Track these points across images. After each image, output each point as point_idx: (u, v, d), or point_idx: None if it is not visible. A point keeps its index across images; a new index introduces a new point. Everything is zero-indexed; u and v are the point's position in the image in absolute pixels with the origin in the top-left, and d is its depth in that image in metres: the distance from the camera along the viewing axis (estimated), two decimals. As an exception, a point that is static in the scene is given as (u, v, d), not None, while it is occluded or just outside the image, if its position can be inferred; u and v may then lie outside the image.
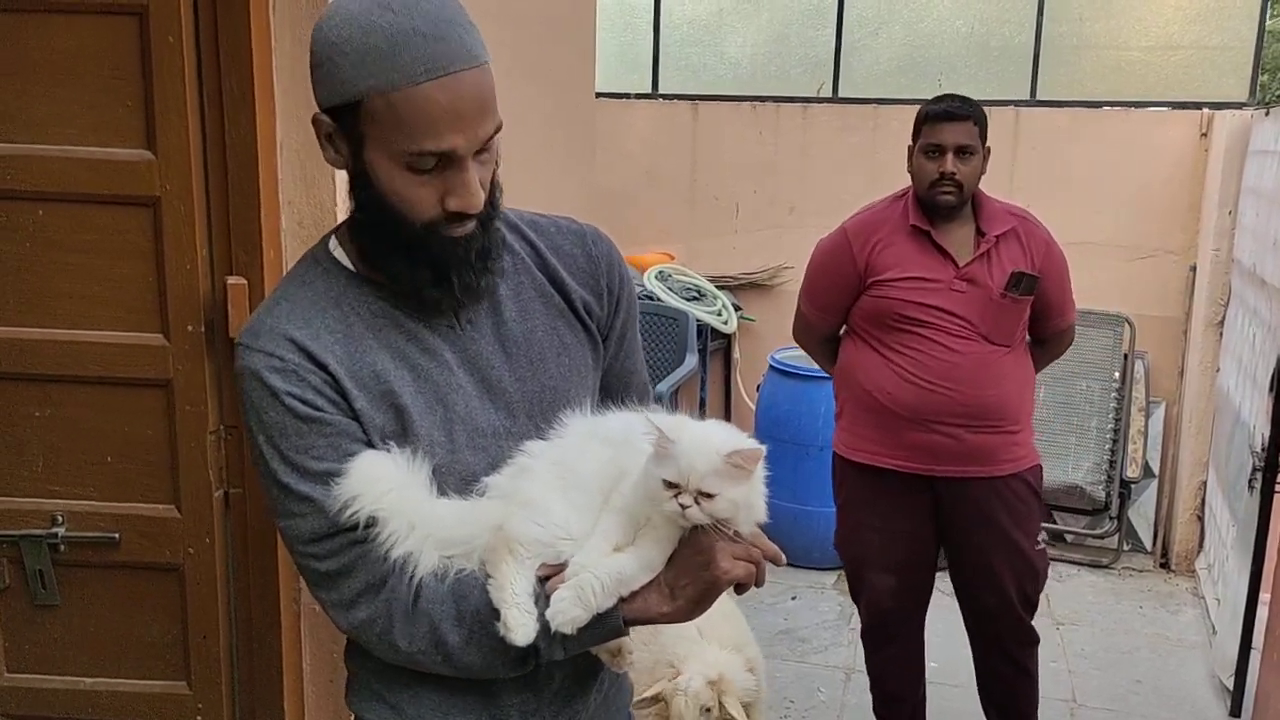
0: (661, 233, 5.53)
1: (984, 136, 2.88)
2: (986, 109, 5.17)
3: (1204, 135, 4.98)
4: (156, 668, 1.98)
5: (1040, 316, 2.94)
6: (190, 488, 1.91)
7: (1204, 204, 4.95)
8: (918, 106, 5.26)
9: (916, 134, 2.91)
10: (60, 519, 1.91)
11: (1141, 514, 5.09)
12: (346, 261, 1.33)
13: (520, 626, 1.19)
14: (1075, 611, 4.48)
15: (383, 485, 1.22)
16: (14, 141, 1.78)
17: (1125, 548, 5.01)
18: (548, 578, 1.22)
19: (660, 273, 5.27)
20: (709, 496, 1.16)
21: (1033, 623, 3.04)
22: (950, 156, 2.81)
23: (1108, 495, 4.93)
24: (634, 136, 5.57)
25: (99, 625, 1.96)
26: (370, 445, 1.26)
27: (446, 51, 1.17)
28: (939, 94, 3.00)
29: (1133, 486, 4.98)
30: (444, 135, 1.17)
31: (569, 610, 1.17)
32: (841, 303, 2.97)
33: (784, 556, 1.27)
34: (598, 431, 1.30)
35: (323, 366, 1.25)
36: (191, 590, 1.94)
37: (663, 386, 4.80)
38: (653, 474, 1.18)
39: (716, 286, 5.42)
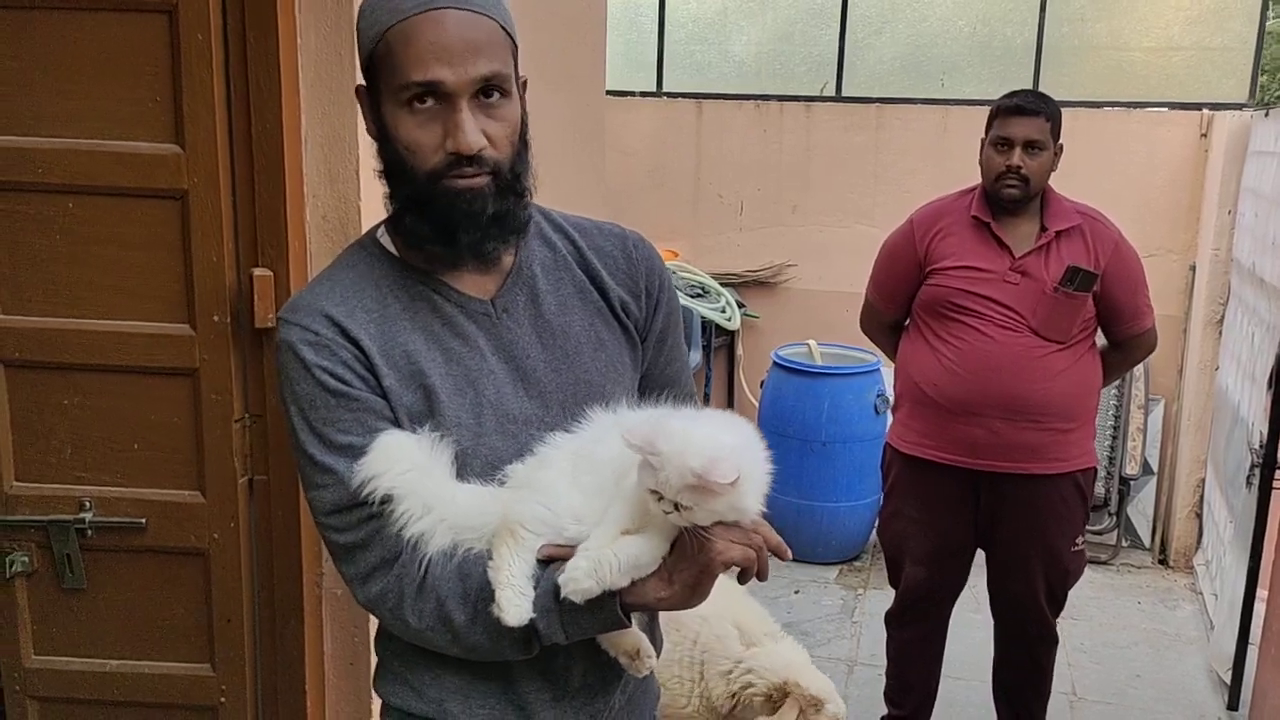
0: (666, 230, 5.57)
1: (1056, 134, 2.90)
2: (987, 109, 5.24)
3: (1204, 136, 5.03)
4: (181, 651, 2.02)
5: (1110, 319, 2.94)
6: (216, 474, 1.95)
7: (1204, 204, 5.00)
8: (920, 106, 5.37)
9: (989, 127, 2.95)
10: (88, 505, 1.95)
11: (1140, 511, 5.14)
12: (391, 248, 1.38)
13: (513, 607, 1.21)
14: (1075, 606, 4.50)
15: (403, 464, 1.25)
16: (45, 135, 1.82)
17: (1124, 544, 5.06)
18: (550, 560, 1.24)
19: (665, 270, 5.31)
20: (688, 507, 1.17)
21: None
22: (1018, 151, 2.84)
23: (1107, 492, 4.97)
24: (638, 135, 5.62)
25: (125, 609, 2.00)
26: (396, 423, 1.29)
27: None
28: (1014, 90, 3.03)
29: (1132, 483, 5.03)
30: (429, 66, 1.23)
31: (582, 580, 1.18)
32: (904, 290, 3.02)
33: (789, 550, 1.26)
34: (621, 422, 1.31)
35: (355, 342, 1.29)
36: (216, 575, 1.99)
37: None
38: (641, 480, 1.19)
39: (720, 284, 5.46)
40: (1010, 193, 2.84)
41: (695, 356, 5.05)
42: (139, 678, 2.02)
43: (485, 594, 1.24)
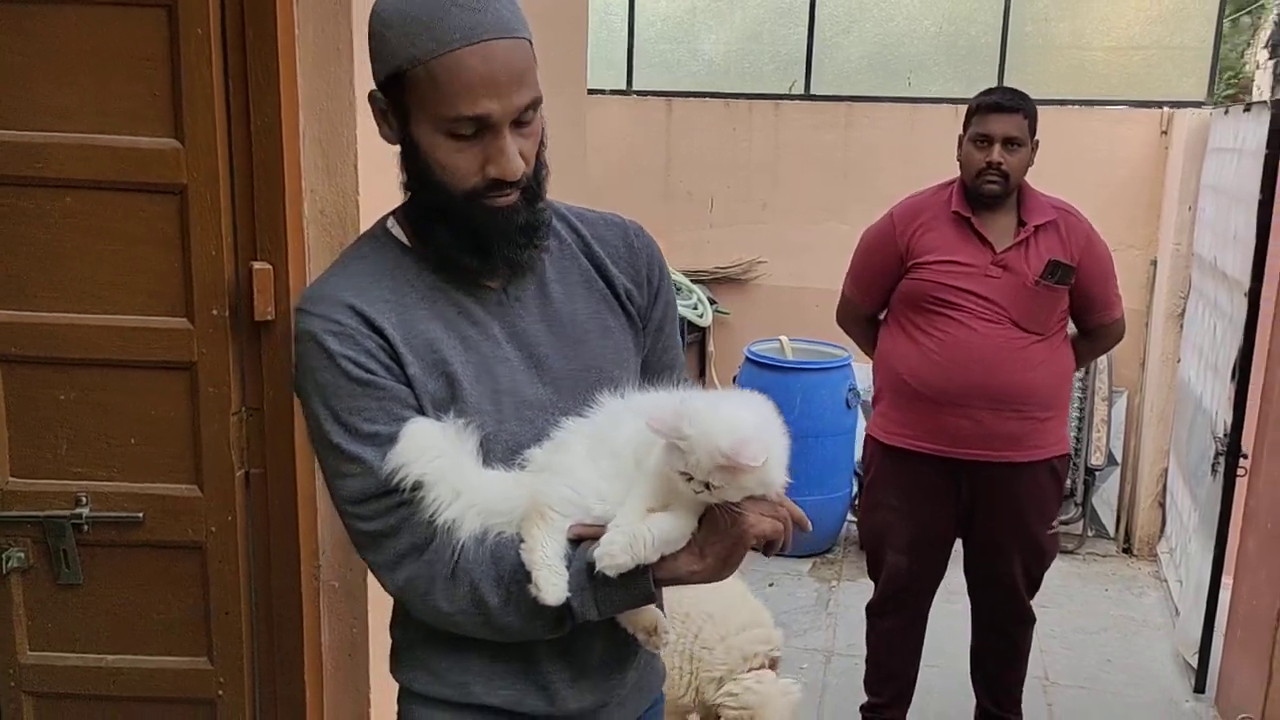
0: (636, 228, 5.60)
1: (1033, 130, 2.97)
2: (955, 108, 5.31)
3: (1164, 133, 5.14)
4: (178, 644, 2.02)
5: (1083, 310, 3.03)
6: (213, 468, 1.96)
7: (1164, 200, 5.11)
8: (888, 104, 5.44)
9: (967, 124, 3.00)
10: (84, 499, 1.95)
11: (1105, 501, 5.24)
12: (403, 238, 1.39)
13: (551, 586, 1.24)
14: (1044, 594, 4.53)
15: (432, 452, 1.27)
16: (44, 129, 1.82)
17: (1090, 533, 5.16)
18: (580, 540, 1.28)
19: (636, 267, 5.34)
20: (719, 486, 1.21)
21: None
22: (998, 147, 2.90)
23: (1073, 483, 5.07)
24: (608, 132, 5.64)
25: (122, 603, 2.00)
26: (421, 411, 1.31)
27: (482, 21, 1.23)
28: (991, 87, 3.11)
29: (1097, 474, 5.14)
30: (479, 100, 1.23)
31: (618, 555, 1.21)
32: (884, 284, 3.07)
33: (809, 522, 1.31)
34: (630, 406, 1.35)
35: (378, 331, 1.30)
36: (213, 568, 1.99)
37: (641, 378, 4.87)
38: (669, 462, 1.22)
39: (691, 281, 5.50)
40: (991, 188, 2.91)
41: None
42: (136, 672, 2.02)
43: (519, 576, 1.27)
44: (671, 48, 5.90)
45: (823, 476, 4.78)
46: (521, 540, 1.27)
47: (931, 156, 5.17)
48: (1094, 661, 4.07)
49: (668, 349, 1.54)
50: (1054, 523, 3.11)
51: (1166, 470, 5.01)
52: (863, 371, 5.07)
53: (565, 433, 1.34)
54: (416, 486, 1.27)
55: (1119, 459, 5.23)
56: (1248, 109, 3.99)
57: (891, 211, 3.09)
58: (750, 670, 2.73)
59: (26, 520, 1.95)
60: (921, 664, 3.35)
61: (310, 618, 2.05)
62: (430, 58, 1.23)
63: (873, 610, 3.27)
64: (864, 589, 3.69)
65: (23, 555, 1.96)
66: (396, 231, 1.40)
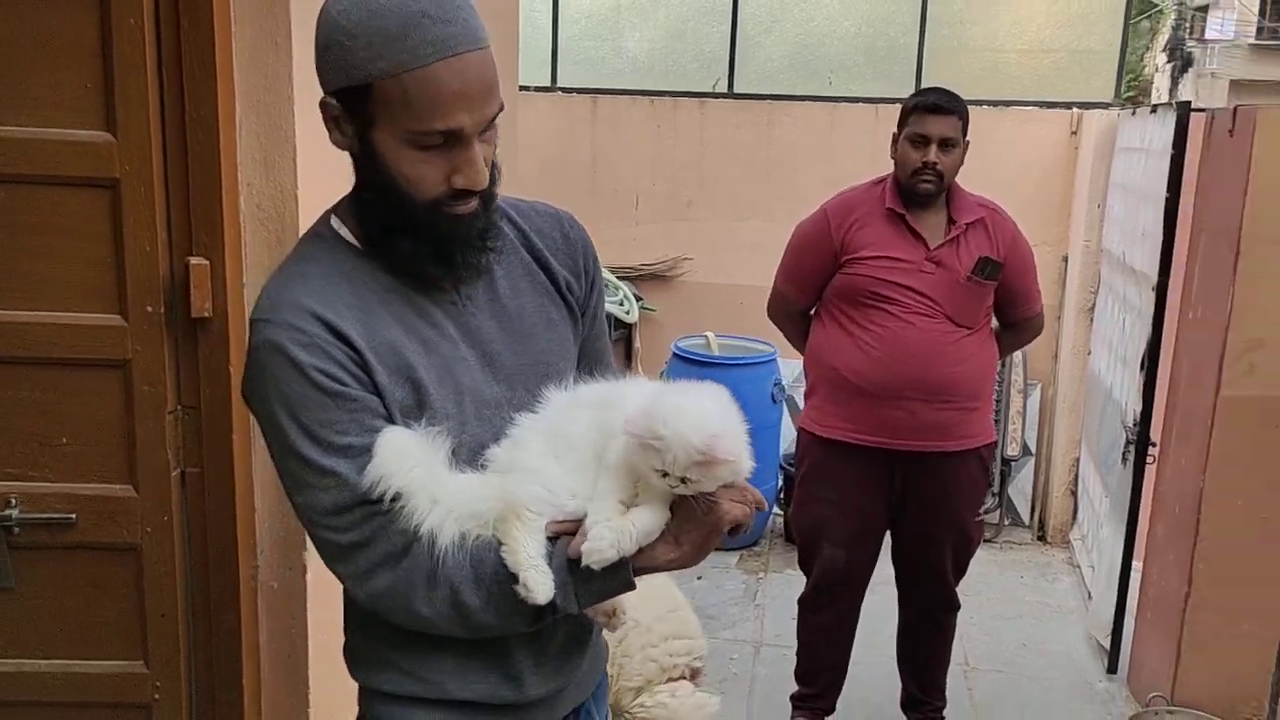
0: (561, 224, 5.60)
1: (965, 131, 3.05)
2: (874, 107, 5.41)
3: (1074, 133, 5.30)
4: (113, 648, 1.98)
5: (1007, 304, 3.14)
6: (148, 467, 1.92)
7: (1074, 198, 5.28)
8: (809, 103, 5.51)
9: (903, 123, 3.06)
10: (14, 501, 1.90)
11: (1020, 490, 5.40)
12: (351, 238, 1.36)
13: (540, 586, 1.25)
14: (963, 583, 4.67)
15: (409, 461, 1.26)
16: (-30, 122, 1.77)
17: (1006, 522, 5.31)
18: (557, 536, 1.29)
19: (562, 263, 5.35)
20: (695, 480, 1.24)
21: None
22: (934, 147, 2.97)
23: (990, 473, 5.21)
24: (535, 129, 5.63)
25: (54, 607, 1.96)
26: (390, 420, 1.29)
27: (454, 33, 1.21)
28: (926, 87, 3.19)
29: (1012, 464, 5.29)
30: (452, 114, 1.22)
31: (606, 551, 1.24)
32: (818, 280, 3.12)
33: (766, 501, 1.37)
34: (579, 399, 1.37)
35: (346, 340, 1.27)
36: (149, 569, 1.96)
37: (569, 375, 4.88)
38: (644, 461, 1.24)
39: (618, 277, 5.53)
40: (926, 187, 2.99)
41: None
42: (70, 677, 1.97)
43: (499, 576, 1.27)
44: (596, 45, 5.92)
45: (749, 470, 4.83)
46: (500, 543, 1.28)
47: (851, 155, 5.28)
48: (1011, 646, 4.19)
49: (599, 335, 1.57)
50: (980, 510, 3.21)
51: (1078, 460, 5.17)
52: (788, 367, 5.15)
53: (521, 430, 1.35)
54: (396, 497, 1.25)
55: (1033, 449, 5.39)
56: (1154, 111, 4.14)
57: (825, 207, 3.15)
58: (669, 681, 2.77)
59: (-48, 524, 1.90)
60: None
61: (248, 619, 2.02)
62: (402, 71, 1.20)
63: (806, 603, 3.32)
64: (791, 580, 3.76)
65: (-52, 560, 1.91)
66: (344, 232, 1.37)
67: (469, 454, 1.33)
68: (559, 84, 5.86)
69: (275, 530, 2.01)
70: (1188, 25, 25.15)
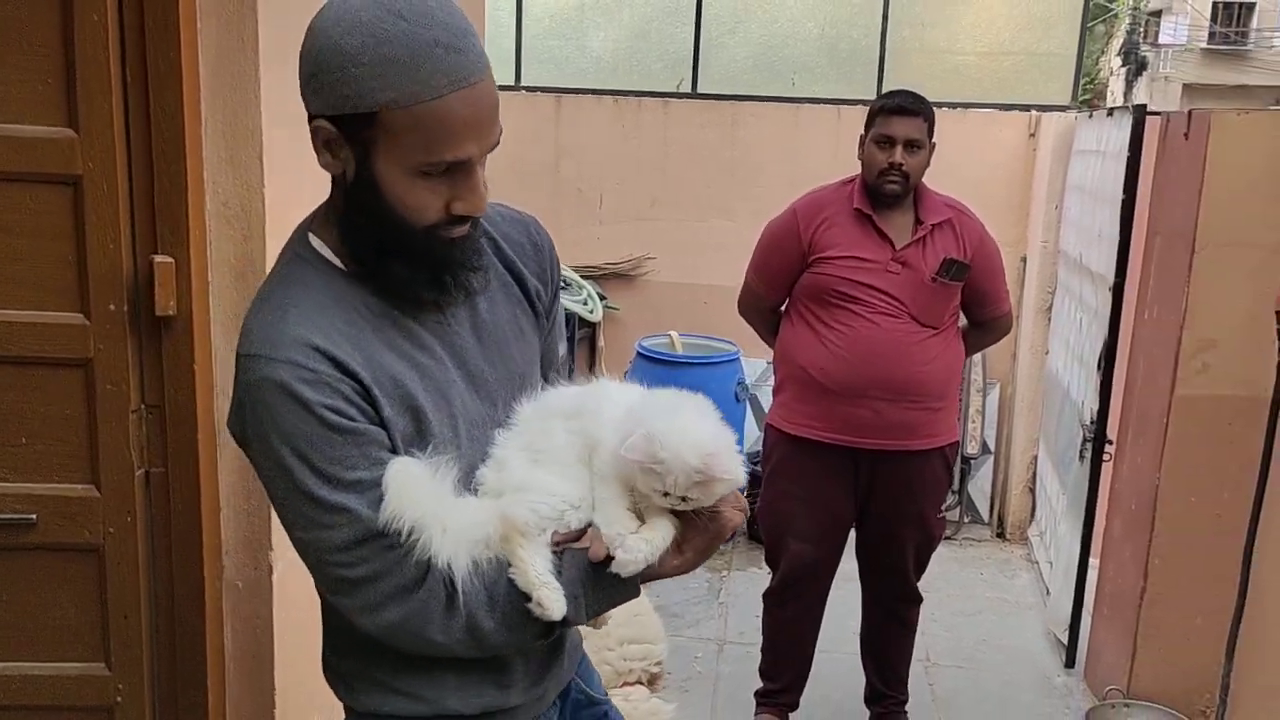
0: (525, 223, 5.59)
1: (931, 132, 3.08)
2: (837, 108, 5.45)
3: (1032, 135, 5.37)
4: (75, 650, 1.96)
5: (975, 304, 3.18)
6: (111, 467, 1.91)
7: (1033, 200, 5.35)
8: (772, 104, 5.54)
9: (869, 125, 3.09)
10: (-27, 502, 1.88)
11: (979, 488, 5.46)
12: (334, 259, 1.32)
13: (553, 603, 1.26)
14: (924, 579, 4.75)
15: (419, 494, 1.25)
16: (-72, 117, 1.75)
17: (966, 520, 5.37)
18: (561, 546, 1.30)
19: (526, 262, 5.34)
20: (695, 497, 1.28)
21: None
22: (900, 149, 3.00)
23: (953, 472, 5.26)
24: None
25: (14, 608, 1.94)
26: (394, 450, 1.27)
27: (466, 62, 1.19)
28: (893, 89, 3.20)
29: (972, 462, 5.35)
30: (463, 145, 1.20)
31: (640, 563, 1.28)
32: (786, 277, 3.15)
33: (746, 506, 1.41)
34: (550, 410, 1.37)
35: (352, 375, 1.25)
36: (112, 570, 1.94)
37: (533, 374, 4.88)
38: (645, 484, 1.27)
39: (581, 276, 5.53)
40: (892, 188, 3.02)
41: (562, 348, 5.09)
42: (31, 679, 1.95)
43: (512, 597, 1.28)
44: (560, 44, 5.91)
45: (712, 469, 4.85)
46: (509, 565, 1.28)
47: (814, 156, 5.32)
48: (971, 642, 4.24)
49: (557, 338, 1.57)
50: (942, 507, 3.25)
51: (1036, 458, 5.24)
52: (751, 366, 5.18)
53: (501, 450, 1.35)
54: (410, 531, 1.24)
55: (992, 448, 5.45)
56: (1110, 114, 4.20)
57: (794, 206, 3.17)
58: (624, 685, 2.77)
59: (-91, 525, 1.87)
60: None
61: (213, 620, 2.01)
62: (414, 103, 1.17)
63: (771, 598, 3.34)
64: (755, 578, 3.77)
65: (-95, 561, 1.88)
66: (325, 251, 1.32)
67: (464, 476, 1.32)
68: (522, 83, 5.85)
69: (240, 530, 2.00)
70: (1142, 30, 25.54)
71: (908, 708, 3.47)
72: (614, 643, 2.77)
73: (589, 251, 5.66)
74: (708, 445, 1.26)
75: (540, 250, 1.50)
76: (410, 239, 1.26)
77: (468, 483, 1.32)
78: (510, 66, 5.82)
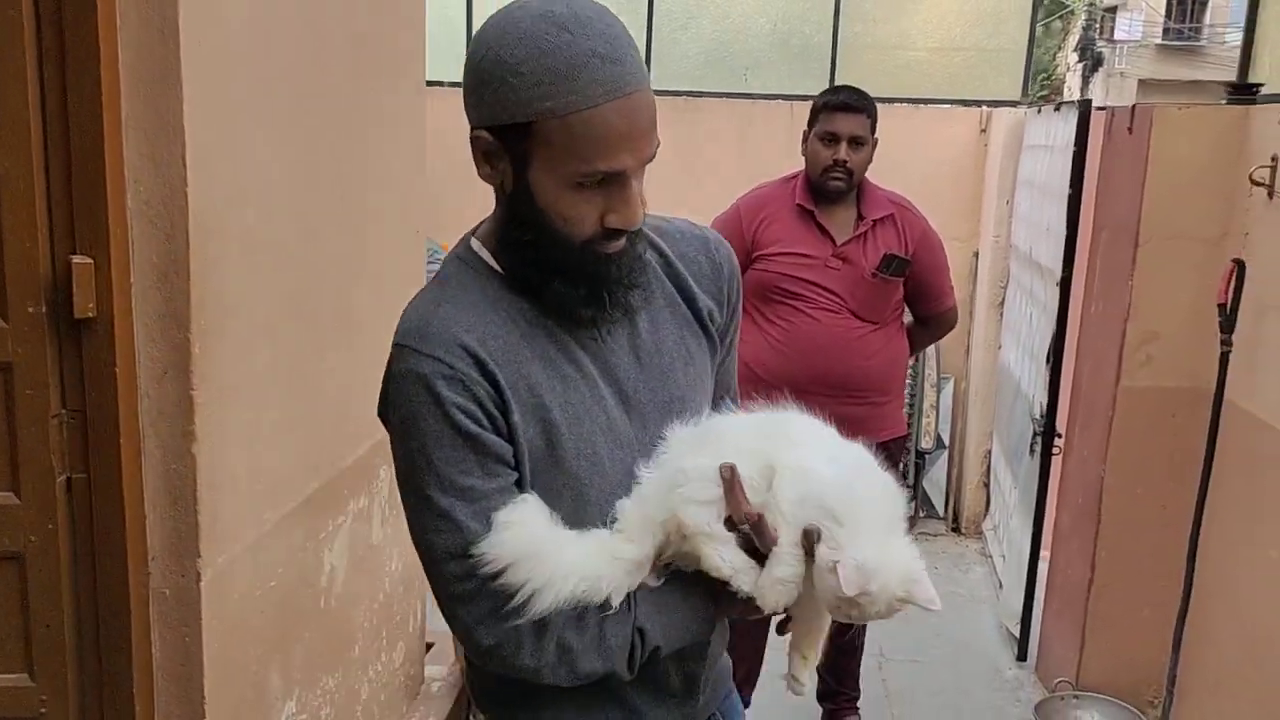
0: (478, 221, 5.54)
1: (874, 128, 3.08)
2: (789, 103, 5.44)
3: (984, 131, 5.40)
4: (-4, 661, 1.91)
5: (918, 299, 3.19)
6: (31, 474, 1.85)
7: (984, 195, 5.38)
8: (725, 99, 5.53)
9: (813, 121, 3.09)
10: (-114, 511, 1.82)
11: (934, 482, 5.49)
12: (494, 263, 1.33)
13: (775, 596, 1.26)
14: (879, 574, 4.79)
15: (530, 546, 1.23)
16: None
17: (921, 514, 5.39)
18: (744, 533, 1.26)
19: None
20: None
21: None
22: (844, 145, 3.01)
23: (904, 466, 5.28)
24: (449, 125, 5.53)
25: (-69, 620, 1.88)
26: (517, 460, 1.27)
27: (623, 73, 1.18)
28: (836, 85, 3.23)
29: (926, 457, 5.37)
30: (618, 156, 1.19)
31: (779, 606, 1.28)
32: None
33: None
34: (739, 446, 1.31)
35: (490, 377, 1.25)
36: (33, 579, 1.89)
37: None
38: (838, 610, 1.25)
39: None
40: (836, 185, 3.02)
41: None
42: (-52, 693, 1.90)
43: (601, 621, 1.27)
44: (511, 40, 5.87)
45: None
46: (698, 559, 1.26)
47: (767, 151, 5.30)
48: (925, 636, 4.25)
49: (732, 360, 1.53)
50: None
51: (990, 452, 5.27)
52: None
53: (645, 483, 1.32)
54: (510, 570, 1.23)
55: (946, 442, 5.48)
56: (1058, 108, 4.23)
57: (738, 203, 3.17)
58: None
59: None
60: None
61: (139, 628, 1.96)
62: (569, 112, 1.17)
63: None
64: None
65: None
66: (485, 255, 1.34)
67: (599, 496, 1.30)
68: (474, 80, 5.80)
69: (167, 537, 1.95)
70: (1098, 26, 25.82)
71: (860, 704, 3.47)
72: None
73: (543, 249, 5.62)
74: (914, 573, 1.22)
75: (718, 269, 1.45)
76: (567, 254, 1.26)
77: (604, 501, 1.30)
78: (460, 64, 5.76)
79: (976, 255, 5.43)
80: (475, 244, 1.35)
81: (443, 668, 3.36)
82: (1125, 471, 3.40)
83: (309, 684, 2.42)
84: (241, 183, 2.01)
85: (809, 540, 1.23)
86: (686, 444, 1.31)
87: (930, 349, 5.38)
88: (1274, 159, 2.90)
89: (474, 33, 1.23)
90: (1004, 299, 5.17)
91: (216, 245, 1.92)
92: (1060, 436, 3.85)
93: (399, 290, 2.89)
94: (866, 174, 3.14)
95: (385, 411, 1.30)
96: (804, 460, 1.29)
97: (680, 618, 1.32)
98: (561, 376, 1.30)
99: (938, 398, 5.38)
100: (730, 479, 1.25)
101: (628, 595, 1.28)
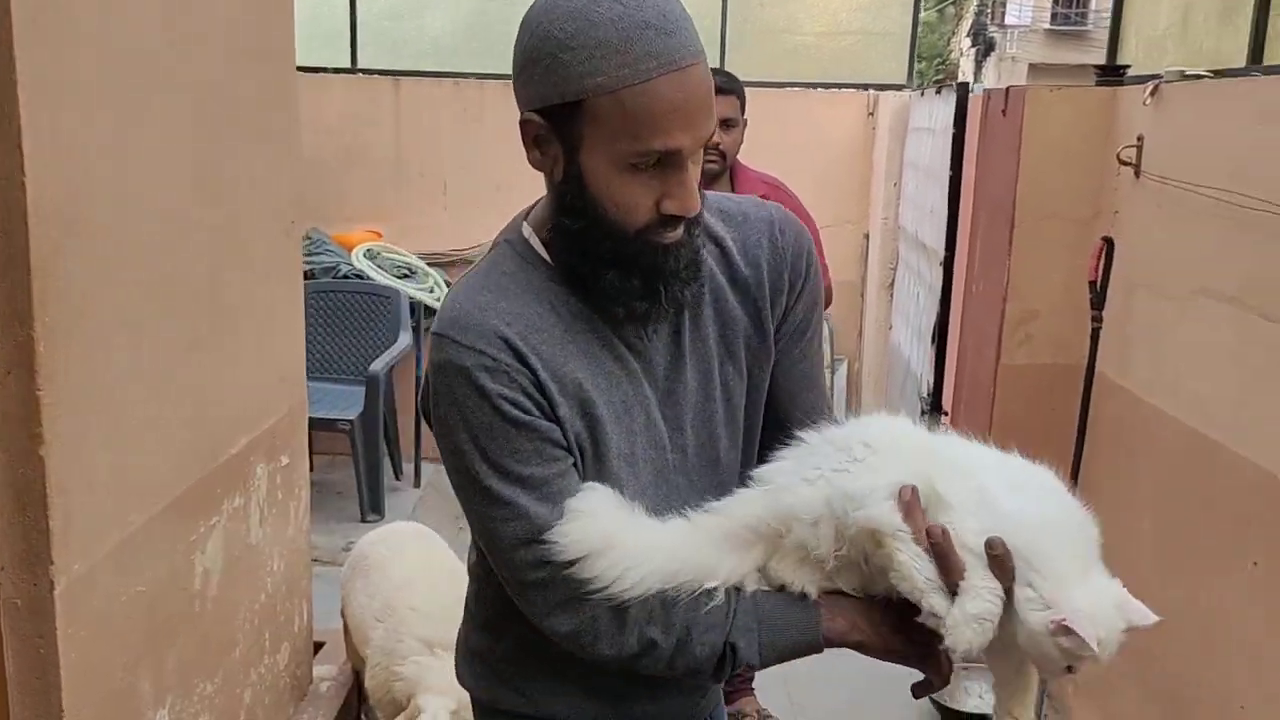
0: (367, 210, 5.44)
1: (743, 109, 3.09)
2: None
3: (871, 114, 5.47)
4: None
5: None
6: None
7: (873, 177, 5.45)
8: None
9: None
10: None
11: (831, 463, 5.55)
12: (542, 251, 1.28)
13: (942, 607, 1.13)
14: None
15: (601, 539, 1.18)
16: None
17: (818, 494, 5.45)
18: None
19: (368, 250, 5.21)
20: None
21: None
22: (716, 129, 2.98)
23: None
24: (333, 112, 5.44)
25: None
26: (568, 451, 1.23)
27: (677, 45, 1.13)
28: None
29: (822, 438, 5.43)
30: (672, 133, 1.14)
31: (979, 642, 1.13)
32: None
33: None
34: (905, 465, 1.19)
35: (530, 368, 1.21)
36: None
37: (378, 365, 4.76)
38: (1047, 666, 1.15)
39: (427, 264, 5.41)
40: (711, 167, 3.02)
41: (406, 338, 4.99)
42: None
43: (690, 626, 1.22)
44: (397, 25, 5.76)
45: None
46: (890, 569, 1.15)
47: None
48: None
49: (804, 358, 1.40)
50: None
51: (883, 431, 5.36)
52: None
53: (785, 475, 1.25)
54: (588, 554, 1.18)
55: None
56: (939, 91, 4.30)
57: None
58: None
59: None
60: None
61: (-10, 640, 1.87)
62: (620, 87, 1.11)
63: None
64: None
65: None
66: (535, 242, 1.28)
67: (631, 498, 1.25)
68: (359, 65, 5.68)
69: (16, 545, 1.86)
70: (990, 11, 26.39)
71: (755, 685, 3.49)
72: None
73: (434, 238, 5.55)
74: (1121, 597, 1.15)
75: (779, 254, 1.36)
76: (620, 244, 1.20)
77: (639, 499, 1.25)
78: (345, 48, 5.65)
79: (867, 237, 5.50)
80: (527, 230, 1.31)
81: (333, 667, 3.29)
82: (1006, 446, 3.47)
83: (184, 690, 2.35)
84: (90, 170, 1.92)
85: (1005, 576, 1.12)
86: (833, 448, 1.23)
87: (824, 330, 5.43)
88: (1140, 139, 2.98)
89: (522, 19, 1.20)
90: (894, 280, 5.25)
91: (61, 237, 1.83)
92: (946, 414, 3.92)
93: (273, 282, 2.82)
94: (739, 156, 3.15)
95: (425, 402, 1.27)
96: (984, 485, 1.19)
97: (787, 640, 1.23)
98: (606, 373, 1.26)
99: (831, 379, 5.45)
100: (910, 500, 1.16)
101: (727, 600, 1.22)
